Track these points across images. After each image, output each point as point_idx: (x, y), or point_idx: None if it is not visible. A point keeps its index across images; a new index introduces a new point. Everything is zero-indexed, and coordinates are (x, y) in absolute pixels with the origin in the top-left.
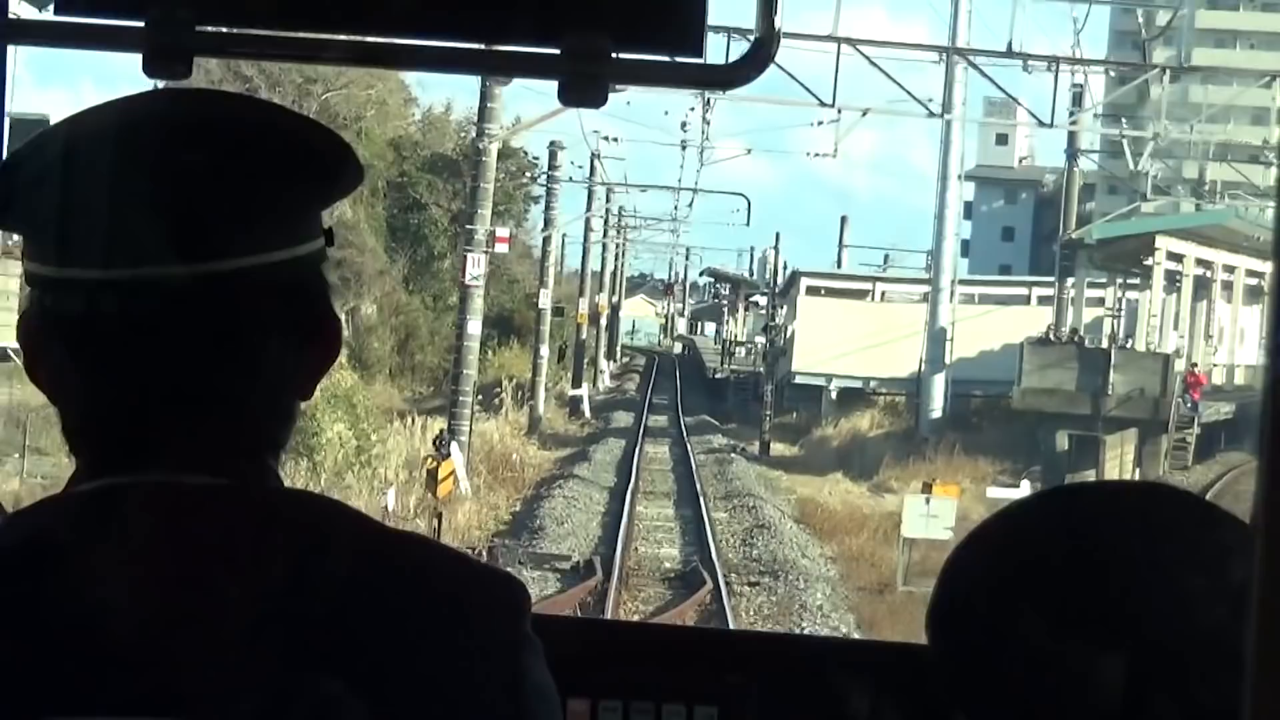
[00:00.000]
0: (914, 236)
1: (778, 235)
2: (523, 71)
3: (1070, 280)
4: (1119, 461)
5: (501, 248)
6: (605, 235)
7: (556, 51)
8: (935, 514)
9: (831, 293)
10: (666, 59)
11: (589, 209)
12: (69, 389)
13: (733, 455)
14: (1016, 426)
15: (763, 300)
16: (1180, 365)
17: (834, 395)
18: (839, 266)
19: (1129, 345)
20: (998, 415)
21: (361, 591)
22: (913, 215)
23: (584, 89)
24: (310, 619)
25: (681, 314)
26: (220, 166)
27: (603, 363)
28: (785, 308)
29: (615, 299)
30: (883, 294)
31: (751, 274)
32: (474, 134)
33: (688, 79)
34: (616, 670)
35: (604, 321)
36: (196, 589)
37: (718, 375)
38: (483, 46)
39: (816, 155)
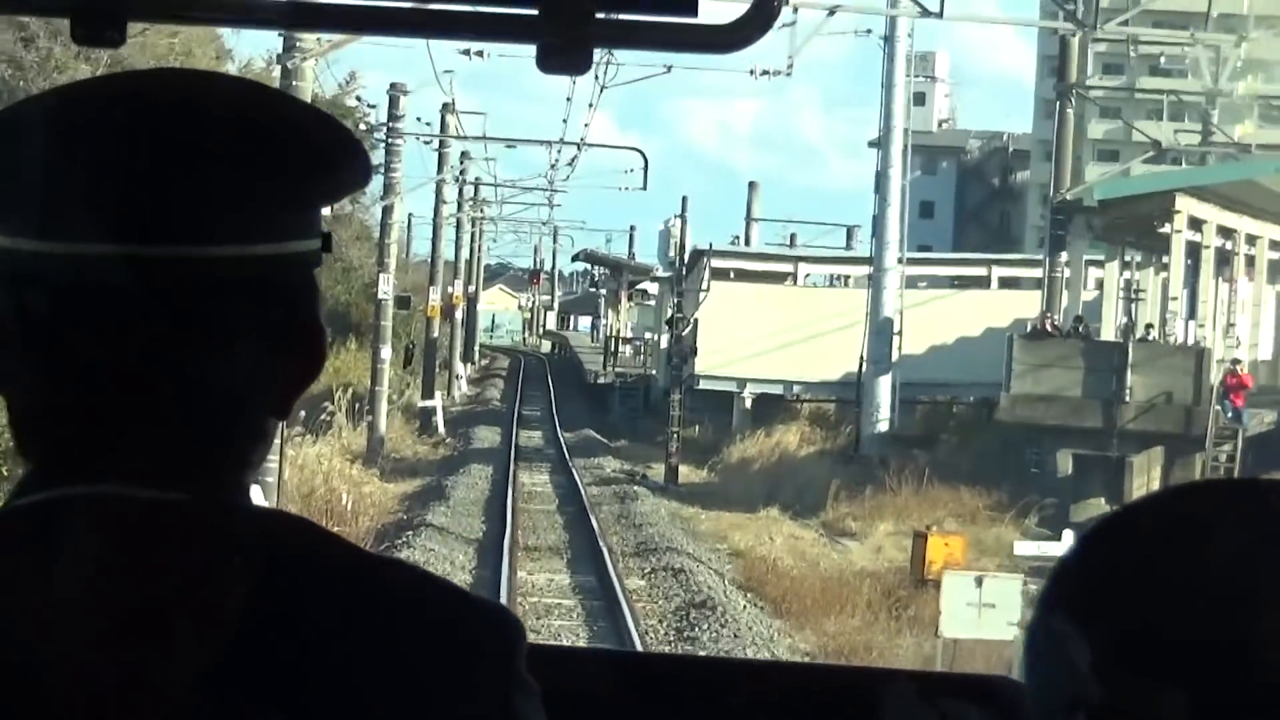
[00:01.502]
0: (815, 215)
1: (685, 200)
2: (497, 35)
3: (1064, 255)
4: (1145, 488)
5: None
6: (460, 209)
7: (534, 12)
8: (992, 601)
9: (744, 276)
10: (657, 18)
11: (440, 172)
12: (12, 381)
13: (634, 487)
14: (994, 443)
15: (653, 288)
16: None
17: (748, 403)
18: (746, 244)
19: (1149, 337)
20: (965, 427)
21: (337, 624)
22: (809, 194)
23: (566, 54)
24: (277, 654)
25: (550, 306)
26: (201, 145)
27: (459, 366)
28: (683, 296)
29: (472, 289)
30: (806, 277)
31: (633, 257)
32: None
33: (681, 41)
34: (625, 708)
35: (459, 316)
36: (146, 619)
37: (600, 379)
38: (452, 8)
39: (765, 74)
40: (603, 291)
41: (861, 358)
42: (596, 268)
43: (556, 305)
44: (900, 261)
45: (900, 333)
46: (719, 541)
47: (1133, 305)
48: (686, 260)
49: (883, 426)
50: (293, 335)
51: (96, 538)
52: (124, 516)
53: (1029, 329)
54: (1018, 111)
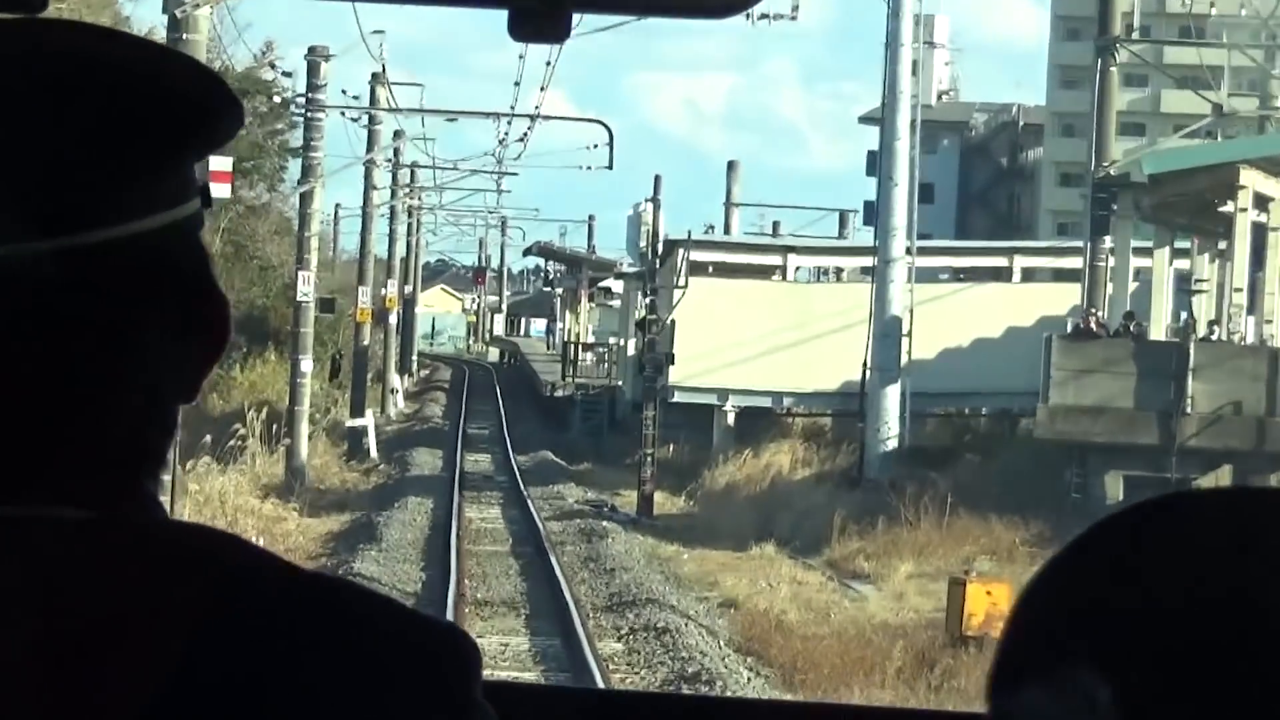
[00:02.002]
0: (799, 201)
1: (657, 180)
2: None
3: (1107, 240)
4: None
5: (221, 189)
6: (394, 196)
7: None
8: None
9: (725, 270)
10: None
11: (370, 152)
12: None
13: (602, 521)
14: (1024, 463)
15: (617, 286)
16: None
17: (731, 419)
18: (726, 233)
19: (1214, 336)
20: (987, 444)
21: (279, 648)
22: (789, 178)
23: (540, 19)
24: (225, 683)
25: (498, 309)
26: (64, 112)
27: (394, 378)
28: (657, 294)
29: (409, 289)
30: (797, 270)
31: (593, 251)
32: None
33: (671, 4)
34: None
35: (394, 320)
36: (79, 654)
37: (557, 392)
38: None
39: (765, 19)
40: (559, 291)
41: (865, 364)
42: (551, 264)
43: (506, 307)
44: (909, 252)
45: (910, 334)
46: (707, 588)
47: (1192, 299)
48: (659, 252)
49: (891, 444)
50: (194, 312)
51: (13, 564)
52: (42, 540)
53: (1069, 328)
54: (1028, 81)
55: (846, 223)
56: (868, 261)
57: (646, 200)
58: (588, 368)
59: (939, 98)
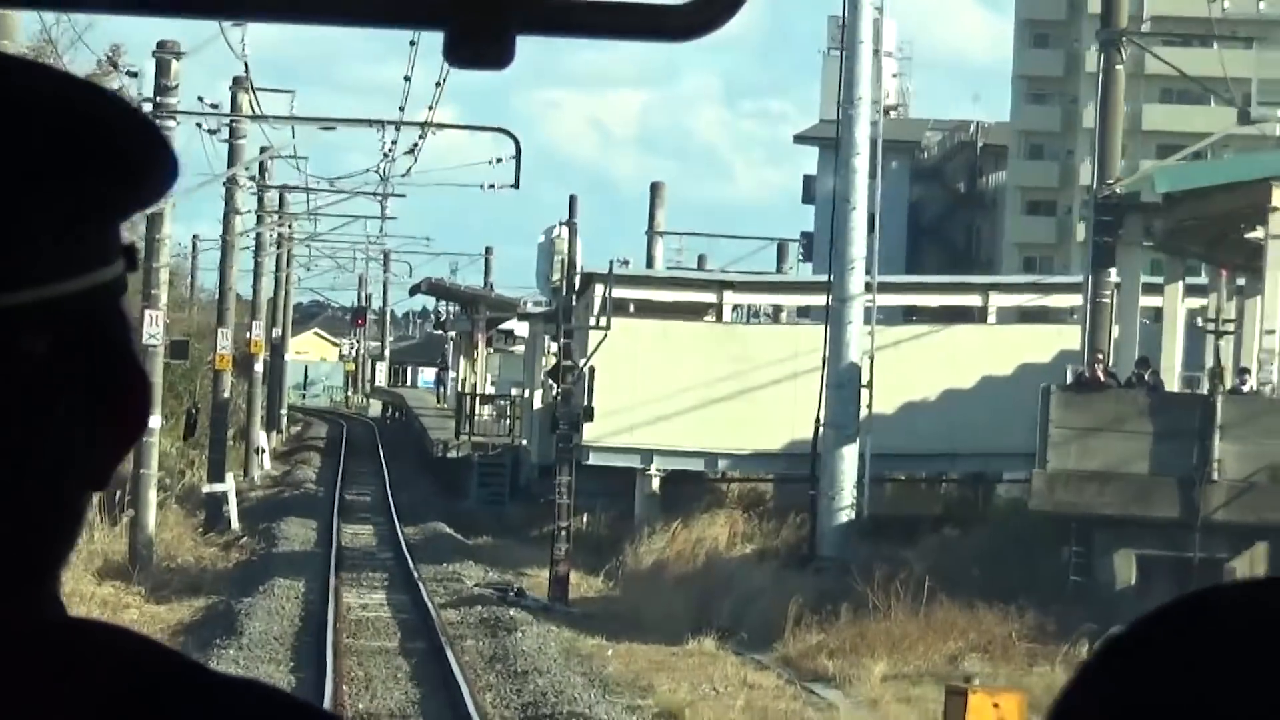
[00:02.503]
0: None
1: (573, 201)
2: (397, 18)
3: (1112, 272)
4: None
5: None
6: (260, 223)
7: None
8: None
9: (649, 309)
10: None
11: (231, 167)
12: None
13: (509, 610)
14: (1012, 538)
15: (521, 329)
16: None
17: (655, 484)
18: (648, 266)
19: (1245, 387)
20: (959, 514)
21: None
22: (712, 208)
23: (480, 44)
24: None
25: (380, 356)
26: None
27: (260, 436)
28: (572, 337)
29: (278, 332)
30: (734, 310)
31: (490, 288)
32: None
33: (627, 26)
34: None
35: (260, 369)
36: None
37: (450, 453)
38: None
39: None
40: (451, 335)
41: (817, 419)
42: (443, 303)
43: (389, 354)
44: (869, 288)
45: (870, 384)
46: (639, 694)
47: (1219, 342)
48: (575, 287)
49: (846, 515)
50: (110, 387)
51: None
52: None
53: (1072, 377)
54: (989, 96)
55: (786, 255)
56: (815, 300)
57: (561, 224)
58: (486, 424)
59: (886, 114)
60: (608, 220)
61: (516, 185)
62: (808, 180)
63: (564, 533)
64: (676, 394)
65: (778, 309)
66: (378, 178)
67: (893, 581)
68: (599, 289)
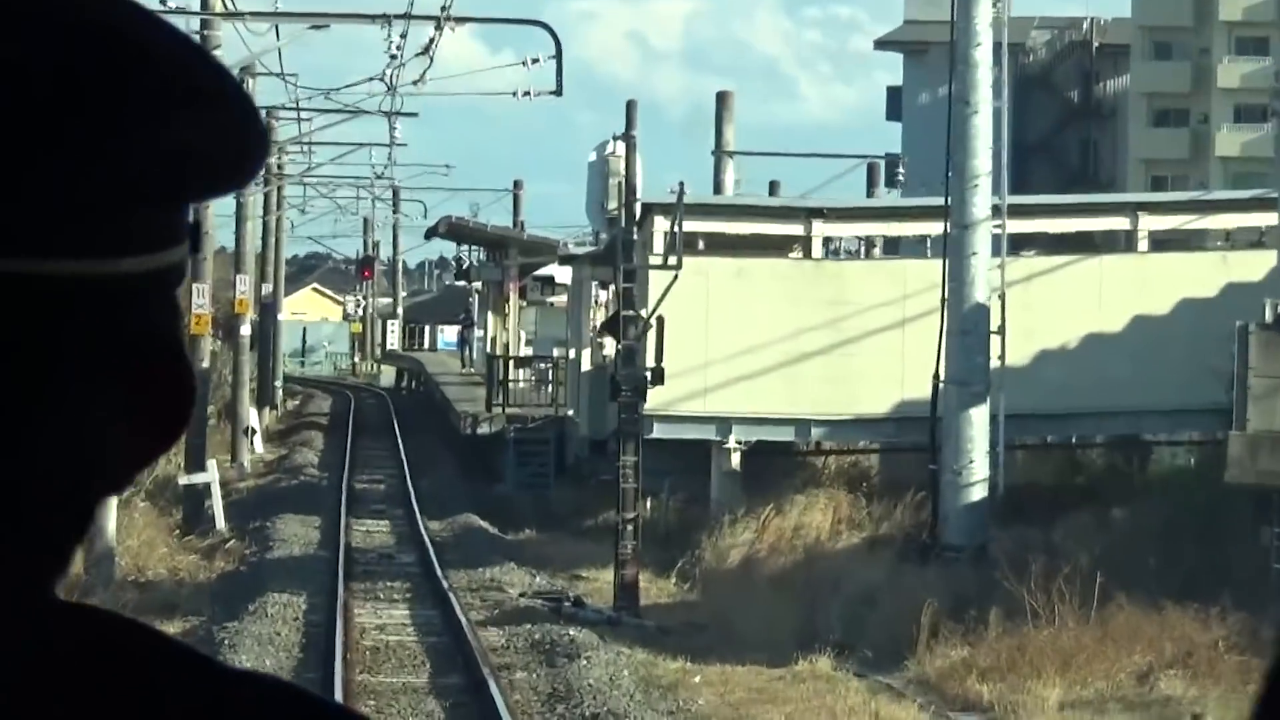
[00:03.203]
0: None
1: (631, 108)
2: None
3: None
4: None
5: None
6: None
7: None
8: None
9: (721, 245)
10: None
11: None
12: None
13: (566, 628)
14: (1189, 516)
15: (562, 274)
16: None
17: (735, 460)
18: (715, 193)
19: None
20: (1114, 487)
21: None
22: (775, 132)
23: None
24: None
25: (392, 314)
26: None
27: (250, 414)
28: (632, 280)
29: (268, 289)
30: (829, 245)
31: (520, 228)
32: None
33: None
34: None
35: (247, 332)
36: None
37: (481, 428)
38: None
39: None
40: (476, 286)
41: (936, 376)
42: (466, 248)
43: (402, 312)
44: (998, 211)
45: (1002, 330)
46: None
47: None
48: (635, 217)
49: (976, 491)
50: (150, 384)
51: None
52: None
53: (1272, 314)
54: None
55: (877, 179)
56: (924, 227)
57: (616, 138)
58: (522, 392)
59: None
60: (652, 149)
61: (559, 91)
62: (893, 94)
63: (630, 527)
64: (758, 348)
65: (868, 243)
66: (384, 88)
67: (1052, 577)
68: (660, 222)
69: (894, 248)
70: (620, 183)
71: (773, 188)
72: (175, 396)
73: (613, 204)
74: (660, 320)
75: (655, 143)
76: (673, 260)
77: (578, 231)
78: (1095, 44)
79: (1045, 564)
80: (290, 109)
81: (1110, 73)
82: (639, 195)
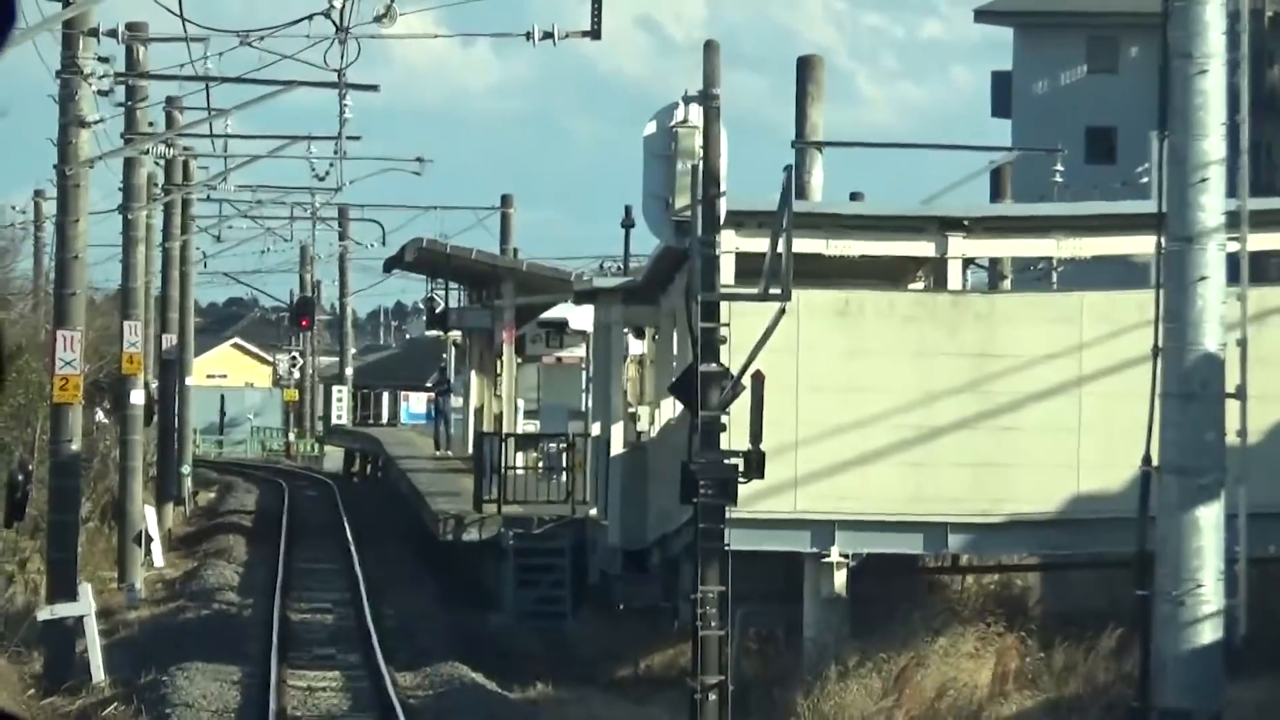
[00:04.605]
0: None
1: (712, 49)
2: None
3: None
4: None
5: None
6: (127, 133)
7: None
8: None
9: (811, 273)
10: None
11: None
12: None
13: None
14: None
15: (578, 318)
16: None
17: (840, 579)
18: (798, 198)
19: None
20: None
21: None
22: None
23: None
24: None
25: (340, 377)
26: None
27: (146, 515)
28: (713, 324)
29: (172, 341)
30: (967, 271)
31: (514, 252)
32: None
33: None
34: None
35: (140, 400)
36: None
37: (467, 533)
38: None
39: None
40: (455, 337)
41: (1147, 459)
42: (439, 284)
43: (352, 374)
44: (1235, 220)
45: (1243, 393)
46: None
47: None
48: (719, 222)
49: (1208, 631)
50: None
51: None
52: None
53: None
54: None
55: (1004, 184)
56: (1111, 245)
57: (686, 101)
58: (525, 483)
59: None
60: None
61: (595, 31)
62: (999, 81)
63: (714, 695)
64: (870, 420)
65: (996, 269)
66: (330, 29)
67: None
68: (730, 238)
69: (1043, 274)
70: (695, 168)
71: (854, 199)
72: None
73: (682, 200)
74: (759, 380)
75: None
76: (775, 289)
77: (581, 266)
78: (1268, 14)
79: None
80: (193, 77)
81: None
82: (724, 187)
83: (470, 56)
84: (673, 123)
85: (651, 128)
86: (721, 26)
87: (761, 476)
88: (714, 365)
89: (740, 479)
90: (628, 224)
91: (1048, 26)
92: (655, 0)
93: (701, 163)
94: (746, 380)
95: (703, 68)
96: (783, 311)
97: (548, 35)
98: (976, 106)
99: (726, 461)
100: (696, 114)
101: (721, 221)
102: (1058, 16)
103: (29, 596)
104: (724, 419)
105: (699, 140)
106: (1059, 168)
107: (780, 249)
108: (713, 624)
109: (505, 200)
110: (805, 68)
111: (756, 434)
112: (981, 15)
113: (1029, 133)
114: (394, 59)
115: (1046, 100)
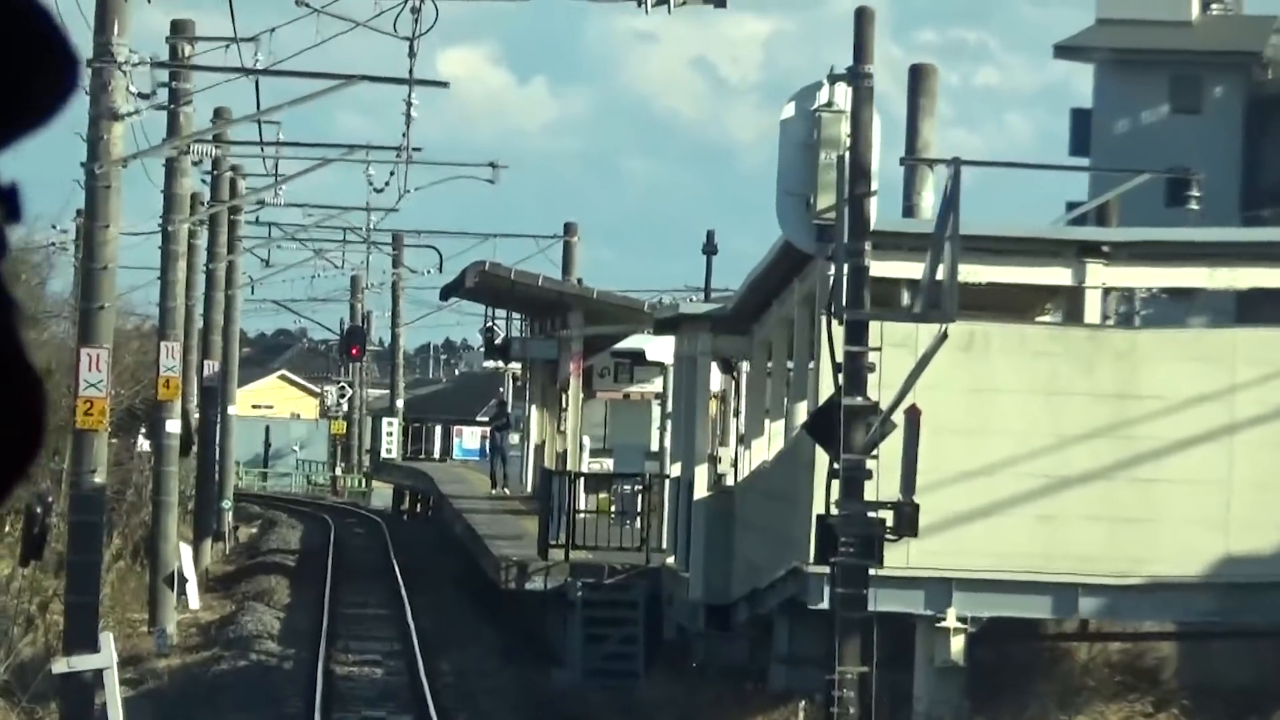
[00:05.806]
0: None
1: (865, 15)
2: None
3: None
4: None
5: None
6: (170, 137)
7: None
8: None
9: (990, 303)
10: None
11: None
12: None
13: None
14: None
15: (656, 349)
16: None
17: (957, 645)
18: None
19: None
20: None
21: None
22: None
23: None
24: None
25: (391, 409)
26: None
27: (181, 554)
28: (863, 346)
29: (214, 368)
30: (1111, 301)
31: (578, 282)
32: None
33: None
34: None
35: (177, 429)
36: None
37: (531, 582)
38: None
39: None
40: (514, 369)
41: None
42: (498, 314)
43: (403, 405)
44: None
45: None
46: None
47: None
48: (871, 219)
49: None
50: None
51: None
52: None
53: None
54: None
55: (1109, 219)
56: (1258, 277)
57: (831, 81)
58: (595, 527)
59: (1204, 8)
60: (725, 199)
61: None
62: (1079, 119)
63: None
64: (993, 468)
65: (1129, 304)
66: (406, 14)
67: None
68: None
69: (1136, 310)
70: (841, 160)
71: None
72: (26, 405)
73: (826, 199)
74: (914, 416)
75: (727, 192)
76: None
77: (647, 298)
78: None
79: None
80: (241, 69)
81: None
82: (874, 184)
83: (527, 94)
84: (815, 106)
85: (789, 110)
86: (775, 71)
87: (915, 534)
88: (859, 399)
89: (889, 536)
90: (709, 250)
91: (1131, 64)
92: (711, 43)
93: (849, 154)
94: (898, 417)
95: (853, 40)
96: (944, 336)
97: (661, 1)
98: (1039, 151)
99: (871, 514)
100: (843, 96)
101: (871, 224)
102: (1141, 54)
103: (51, 640)
104: (869, 463)
105: (846, 127)
106: (1195, 193)
107: (944, 259)
108: (851, 710)
109: (569, 229)
110: (918, 77)
111: (909, 482)
112: (1061, 51)
113: (1103, 165)
114: (449, 97)
115: (1129, 138)
